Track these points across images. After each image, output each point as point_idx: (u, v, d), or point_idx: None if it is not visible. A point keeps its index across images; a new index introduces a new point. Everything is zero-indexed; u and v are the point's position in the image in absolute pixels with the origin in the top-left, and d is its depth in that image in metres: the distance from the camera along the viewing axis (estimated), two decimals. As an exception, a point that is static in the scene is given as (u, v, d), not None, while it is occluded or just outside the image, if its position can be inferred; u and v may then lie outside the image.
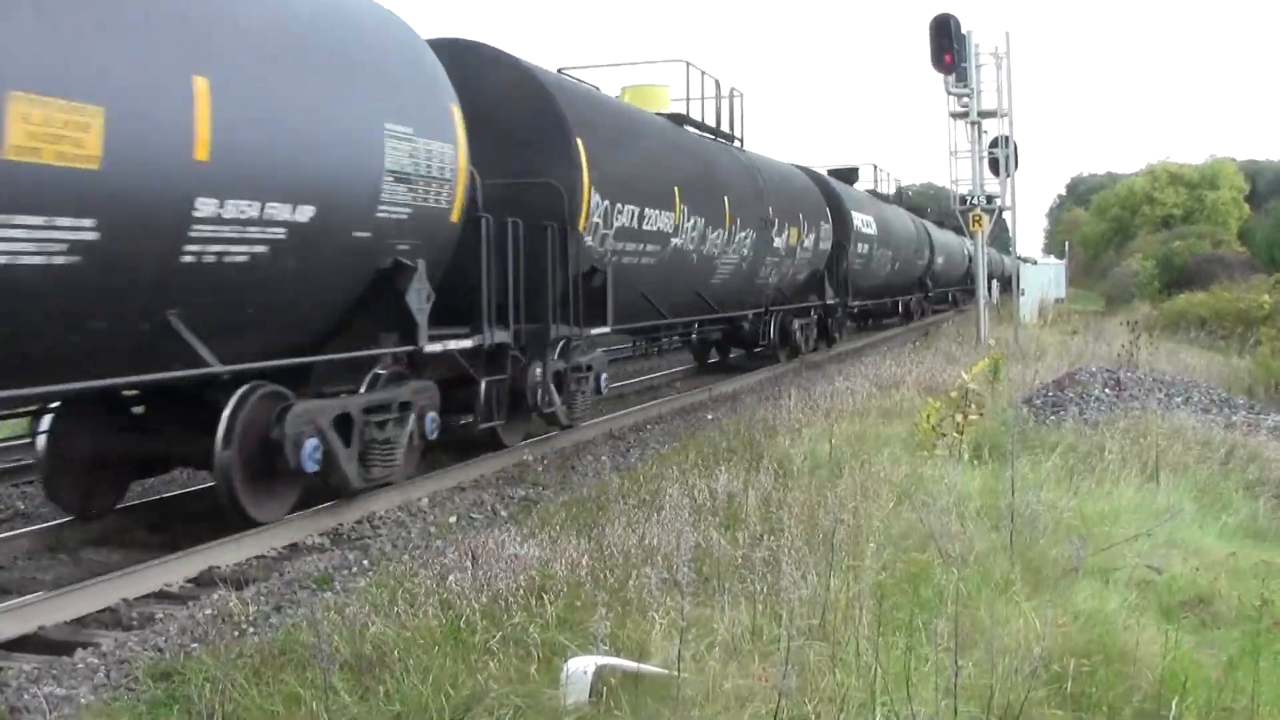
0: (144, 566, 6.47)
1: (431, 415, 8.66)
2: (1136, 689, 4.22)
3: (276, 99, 6.68)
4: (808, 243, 19.85)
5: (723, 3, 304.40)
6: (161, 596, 6.29)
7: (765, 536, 5.87)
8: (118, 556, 7.13)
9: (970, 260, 41.71)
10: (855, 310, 25.98)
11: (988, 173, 22.60)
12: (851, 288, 23.63)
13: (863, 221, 24.74)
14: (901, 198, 37.68)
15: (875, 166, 31.80)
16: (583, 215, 10.95)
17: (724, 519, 6.51)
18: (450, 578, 5.51)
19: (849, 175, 27.54)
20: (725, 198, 15.64)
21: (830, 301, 22.01)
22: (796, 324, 20.16)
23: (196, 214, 6.05)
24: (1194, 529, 6.81)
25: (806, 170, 22.73)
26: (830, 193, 22.55)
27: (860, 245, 24.30)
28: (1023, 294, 26.93)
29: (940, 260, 37.76)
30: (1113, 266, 56.72)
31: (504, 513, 8.30)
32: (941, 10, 21.10)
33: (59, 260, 5.35)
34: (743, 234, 16.36)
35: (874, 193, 30.21)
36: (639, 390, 16.88)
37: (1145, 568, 5.72)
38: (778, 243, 18.24)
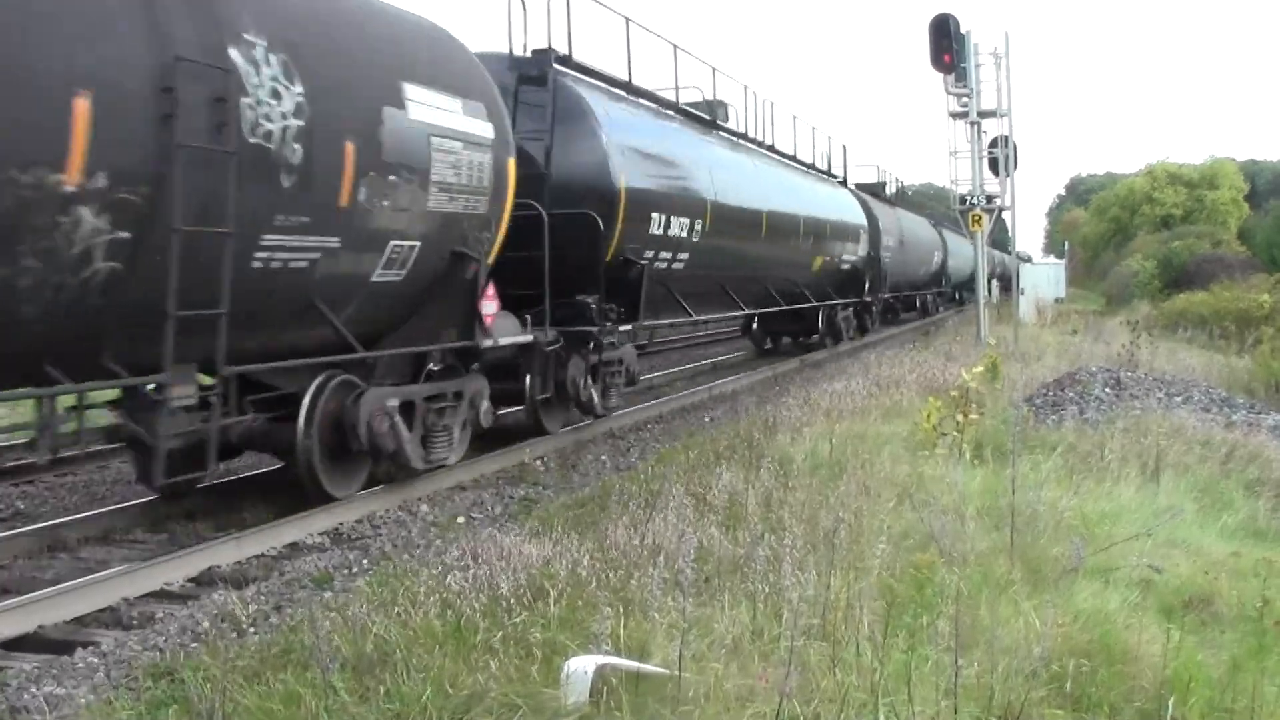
0: (144, 566, 6.47)
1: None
2: (1138, 689, 4.22)
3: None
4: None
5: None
6: (161, 596, 6.29)
7: (766, 536, 5.86)
8: (118, 555, 7.13)
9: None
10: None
11: (987, 172, 22.61)
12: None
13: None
14: (903, 197, 38.66)
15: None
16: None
17: (725, 518, 6.51)
18: (451, 577, 5.50)
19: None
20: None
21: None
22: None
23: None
24: (1194, 529, 6.80)
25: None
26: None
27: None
28: (1023, 293, 26.97)
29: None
30: (1112, 266, 56.68)
31: (504, 512, 8.30)
32: (941, 10, 21.14)
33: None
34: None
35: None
36: (639, 390, 16.87)
37: (1146, 567, 5.72)
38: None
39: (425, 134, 8.10)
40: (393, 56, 8.07)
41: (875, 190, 30.11)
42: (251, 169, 6.45)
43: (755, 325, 23.05)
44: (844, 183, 26.27)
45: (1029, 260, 48.34)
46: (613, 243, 11.59)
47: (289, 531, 7.49)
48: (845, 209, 23.66)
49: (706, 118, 16.20)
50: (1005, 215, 23.92)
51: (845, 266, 23.17)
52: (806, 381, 16.03)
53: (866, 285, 25.17)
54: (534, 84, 11.26)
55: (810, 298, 20.92)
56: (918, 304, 37.48)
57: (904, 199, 39.20)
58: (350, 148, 7.25)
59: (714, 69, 16.91)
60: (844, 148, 27.40)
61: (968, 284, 45.31)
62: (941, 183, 35.21)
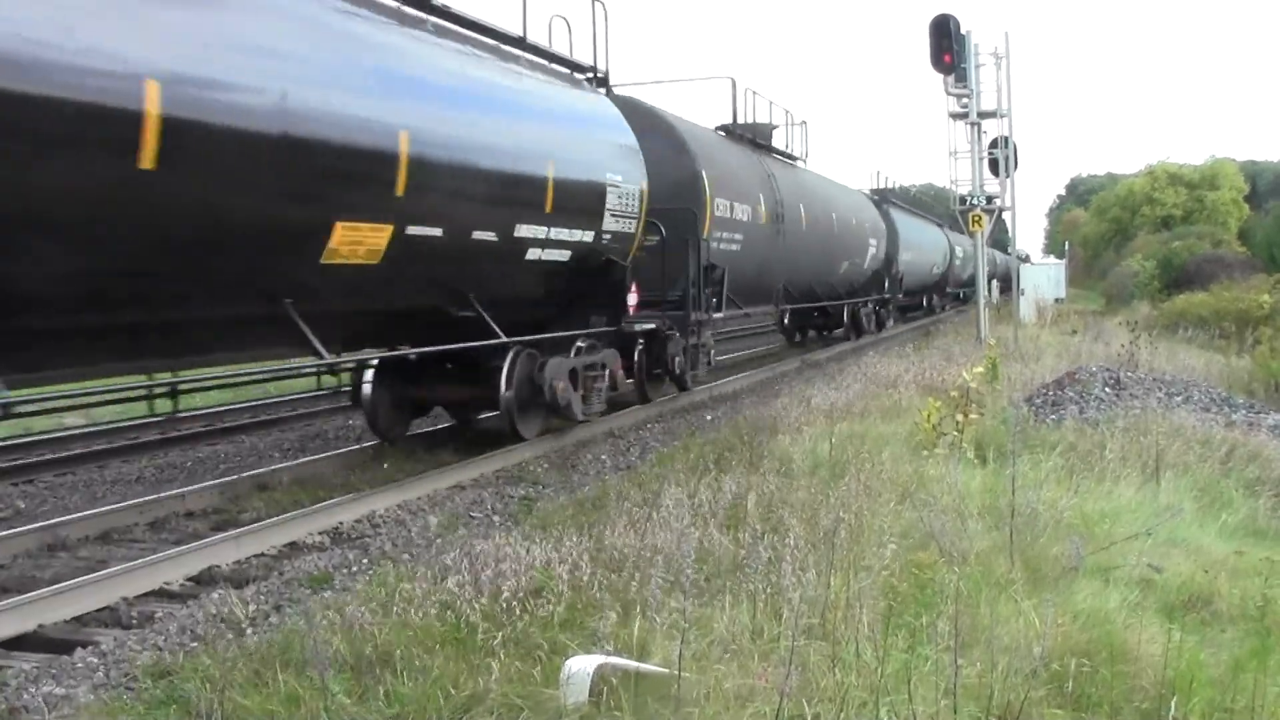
0: (144, 564, 6.47)
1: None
2: (1138, 689, 4.21)
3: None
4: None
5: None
6: (161, 595, 6.29)
7: (766, 535, 5.86)
8: (117, 555, 7.13)
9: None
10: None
11: (987, 173, 22.64)
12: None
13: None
14: (900, 193, 38.66)
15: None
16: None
17: (725, 518, 6.51)
18: (450, 578, 5.50)
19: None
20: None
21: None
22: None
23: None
24: (1194, 528, 6.80)
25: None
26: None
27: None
28: (1023, 294, 26.98)
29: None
30: (1113, 267, 56.68)
31: (504, 512, 8.29)
32: (941, 10, 21.16)
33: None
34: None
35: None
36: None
37: (1146, 566, 5.71)
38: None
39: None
40: None
41: (739, 132, 18.88)
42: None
43: (370, 388, 10.71)
44: (601, 84, 12.79)
45: (1027, 260, 48.09)
46: None
47: (289, 531, 7.49)
48: (556, 133, 10.92)
49: None
50: (1005, 216, 23.97)
51: (556, 257, 10.79)
52: (805, 383, 16.03)
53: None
54: None
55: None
56: (846, 318, 26.14)
57: (902, 194, 37.97)
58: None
59: None
60: (600, 9, 12.28)
61: (933, 289, 40.51)
62: (942, 183, 34.29)
